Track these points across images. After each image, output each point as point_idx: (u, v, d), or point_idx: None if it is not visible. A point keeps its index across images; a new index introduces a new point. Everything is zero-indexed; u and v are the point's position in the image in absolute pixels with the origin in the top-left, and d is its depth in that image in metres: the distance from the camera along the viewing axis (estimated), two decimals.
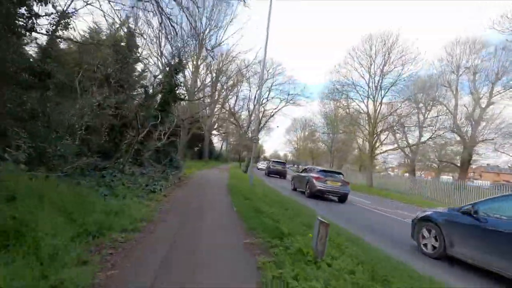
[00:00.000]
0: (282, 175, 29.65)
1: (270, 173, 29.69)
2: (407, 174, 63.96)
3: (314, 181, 14.24)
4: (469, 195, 17.57)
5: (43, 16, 5.92)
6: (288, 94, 22.78)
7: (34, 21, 5.36)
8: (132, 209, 5.17)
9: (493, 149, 24.83)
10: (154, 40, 16.53)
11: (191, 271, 3.16)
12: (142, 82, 10.57)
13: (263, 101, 20.58)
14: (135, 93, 11.15)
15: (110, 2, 6.60)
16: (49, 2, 5.39)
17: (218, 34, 27.20)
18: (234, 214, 6.34)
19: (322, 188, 13.88)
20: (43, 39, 7.45)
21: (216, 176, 17.27)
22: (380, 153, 26.64)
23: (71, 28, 6.45)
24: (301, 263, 3.36)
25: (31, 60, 7.03)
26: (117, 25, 10.06)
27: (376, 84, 24.93)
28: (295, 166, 55.57)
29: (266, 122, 20.80)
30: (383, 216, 10.65)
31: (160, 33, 14.38)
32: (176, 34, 7.92)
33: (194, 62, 27.18)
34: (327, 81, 70.57)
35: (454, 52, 29.17)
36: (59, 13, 6.30)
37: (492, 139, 23.71)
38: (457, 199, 17.74)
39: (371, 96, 25.22)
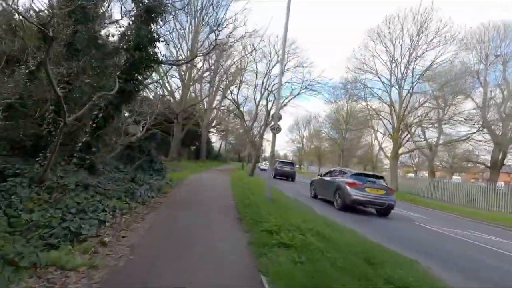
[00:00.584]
0: (290, 177, 25.85)
1: (277, 175, 25.77)
2: (411, 175, 60.30)
3: (348, 188, 10.62)
4: None
5: None
6: (303, 81, 18.44)
7: None
8: None
9: None
10: None
11: None
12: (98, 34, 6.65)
13: (275, 88, 16.39)
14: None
15: None
16: None
17: (219, 13, 23.07)
18: None
19: (359, 198, 10.27)
20: None
21: (214, 182, 13.05)
22: (408, 151, 22.65)
23: None
24: None
25: None
26: None
27: (402, 71, 20.98)
28: (298, 166, 51.50)
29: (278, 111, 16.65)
30: (478, 246, 6.59)
31: None
32: None
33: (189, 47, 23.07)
34: (330, 79, 66.80)
35: (482, 38, 25.28)
36: None
37: None
38: None
39: (396, 86, 21.26)
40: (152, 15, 5.99)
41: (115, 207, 4.36)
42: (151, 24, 6.15)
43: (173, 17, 9.50)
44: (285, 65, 16.98)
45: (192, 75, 24.27)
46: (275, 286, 2.59)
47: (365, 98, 24.03)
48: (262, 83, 16.77)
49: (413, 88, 19.24)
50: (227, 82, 16.22)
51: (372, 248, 3.93)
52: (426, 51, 19.40)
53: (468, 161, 26.54)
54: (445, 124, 18.03)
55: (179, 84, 25.17)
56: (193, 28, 23.57)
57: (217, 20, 17.00)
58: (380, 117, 22.21)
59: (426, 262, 4.04)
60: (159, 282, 2.58)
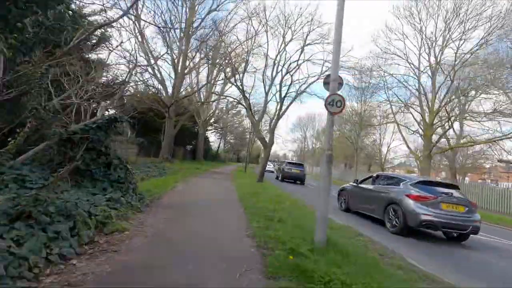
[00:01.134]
0: (299, 180, 22.24)
1: (285, 177, 22.14)
2: (415, 175, 56.66)
3: (412, 203, 7.16)
4: None
5: None
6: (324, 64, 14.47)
7: None
8: None
9: None
10: None
11: None
12: None
13: (292, 67, 12.54)
14: None
15: None
16: None
17: None
18: None
19: (432, 218, 6.81)
20: None
21: (213, 198, 8.33)
22: (447, 149, 18.98)
23: None
24: None
25: None
26: None
27: (437, 55, 17.36)
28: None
29: (296, 97, 12.72)
30: None
31: None
32: None
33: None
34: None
35: None
36: None
37: None
38: None
39: (429, 72, 17.65)
40: None
41: None
42: None
43: None
44: (303, 45, 13.22)
45: (187, 62, 20.47)
46: None
47: (386, 90, 20.49)
48: (274, 63, 13.04)
49: (454, 74, 15.55)
50: (229, 61, 12.36)
51: None
52: (471, 28, 15.77)
53: (501, 161, 22.97)
54: (504, 117, 14.55)
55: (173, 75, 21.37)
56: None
57: None
58: (409, 109, 18.53)
59: None
60: None
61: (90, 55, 14.11)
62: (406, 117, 21.03)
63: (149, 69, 19.65)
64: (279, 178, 23.70)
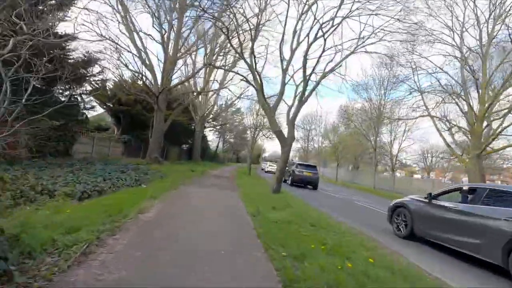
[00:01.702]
0: (312, 184, 18.75)
1: (295, 181, 18.57)
2: (418, 176, 53.15)
3: None
4: None
5: None
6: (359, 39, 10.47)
7: None
8: None
9: None
10: None
11: None
12: None
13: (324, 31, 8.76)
14: None
15: None
16: None
17: None
18: None
19: None
20: None
21: (208, 241, 4.03)
22: (502, 148, 15.37)
23: None
24: None
25: None
26: None
27: (489, 32, 13.78)
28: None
29: (326, 74, 8.96)
30: None
31: None
32: None
33: None
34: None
35: None
36: None
37: None
38: None
39: (480, 53, 14.05)
40: None
41: None
42: None
43: None
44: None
45: (181, 42, 16.69)
46: None
47: (416, 77, 16.88)
48: (294, 31, 9.31)
49: None
50: (236, 26, 8.57)
51: None
52: None
53: None
54: None
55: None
56: None
57: None
58: (454, 100, 14.90)
59: None
60: None
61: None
62: (441, 111, 17.43)
63: (133, 50, 15.92)
64: (288, 182, 20.11)
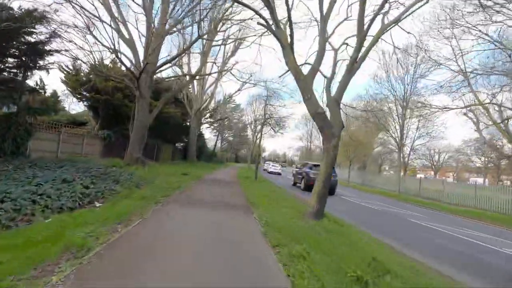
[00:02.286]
0: (330, 189, 15.20)
1: (310, 186, 15.08)
2: (423, 176, 49.88)
3: None
4: None
5: None
6: None
7: None
8: None
9: None
10: None
11: None
12: None
13: None
14: None
15: None
16: None
17: None
18: None
19: None
20: None
21: None
22: None
23: None
24: None
25: None
26: None
27: None
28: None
29: (381, 33, 5.34)
30: None
31: None
32: None
33: None
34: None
35: None
36: None
37: None
38: None
39: None
40: None
41: None
42: None
43: None
44: None
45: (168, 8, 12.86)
46: None
47: (456, 59, 13.34)
48: None
49: None
50: None
51: None
52: None
53: None
54: None
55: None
56: None
57: None
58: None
59: None
60: None
61: None
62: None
63: (111, 23, 12.08)
64: (301, 187, 16.53)
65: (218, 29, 13.77)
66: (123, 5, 11.85)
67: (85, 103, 17.57)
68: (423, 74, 17.67)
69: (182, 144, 30.38)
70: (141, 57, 13.40)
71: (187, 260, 3.03)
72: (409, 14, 6.27)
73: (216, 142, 42.29)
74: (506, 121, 13.62)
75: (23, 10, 7.71)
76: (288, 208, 6.32)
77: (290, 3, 5.58)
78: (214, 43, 16.64)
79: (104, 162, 12.69)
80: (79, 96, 16.79)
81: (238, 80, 14.02)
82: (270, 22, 5.99)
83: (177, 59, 15.74)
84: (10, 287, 2.13)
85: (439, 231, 7.47)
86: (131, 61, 13.24)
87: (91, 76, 16.19)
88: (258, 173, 17.67)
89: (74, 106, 18.03)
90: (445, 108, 13.56)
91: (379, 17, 6.14)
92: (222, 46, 20.42)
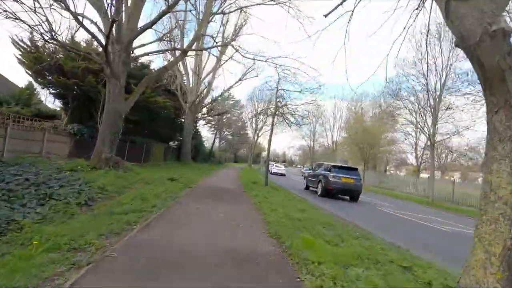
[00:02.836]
0: (354, 194, 12.96)
1: (329, 191, 12.42)
2: (425, 175, 47.01)
3: None
4: None
5: None
6: None
7: None
8: None
9: None
10: None
11: None
12: None
13: None
14: None
15: None
16: None
17: None
18: None
19: None
20: None
21: None
22: None
23: None
24: None
25: None
26: None
27: None
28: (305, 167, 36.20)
29: None
30: None
31: None
32: None
33: None
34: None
35: None
36: None
37: None
38: None
39: None
40: None
41: None
42: None
43: None
44: None
45: None
46: None
47: None
48: None
49: None
50: None
51: None
52: None
53: None
54: None
55: None
56: None
57: None
58: None
59: None
60: None
61: None
62: None
63: None
64: (317, 192, 13.36)
65: None
66: None
67: (51, 89, 13.99)
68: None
69: (177, 142, 26.83)
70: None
71: None
72: None
73: (214, 141, 38.75)
74: None
75: None
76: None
77: None
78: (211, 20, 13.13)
79: (64, 164, 9.18)
80: (41, 81, 13.22)
81: (244, 56, 10.52)
82: None
83: (165, 34, 12.19)
84: None
85: None
86: (99, 28, 9.69)
87: (54, 54, 12.67)
88: (257, 172, 14.27)
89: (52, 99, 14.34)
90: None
91: None
92: (222, 28, 16.94)
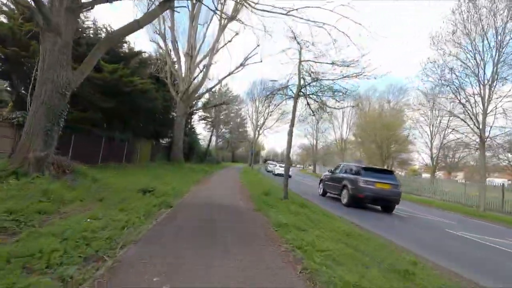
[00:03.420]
0: (390, 204, 10.10)
1: (359, 199, 9.74)
2: (427, 175, 44.08)
3: None
4: None
5: None
6: None
7: None
8: None
9: None
10: None
11: None
12: None
13: None
14: None
15: None
16: None
17: None
18: None
19: None
20: None
21: None
22: None
23: None
24: None
25: None
26: None
27: None
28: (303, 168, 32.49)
29: None
30: None
31: None
32: None
33: None
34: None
35: None
36: None
37: None
38: None
39: None
40: None
41: None
42: None
43: None
44: None
45: None
46: None
47: None
48: None
49: None
50: None
51: None
52: None
53: None
54: None
55: None
56: None
57: None
58: None
59: None
60: None
61: None
62: None
63: None
64: (345, 201, 10.08)
65: None
66: None
67: None
68: None
69: (168, 140, 23.12)
70: None
71: None
72: None
73: (210, 138, 35.04)
74: None
75: None
76: None
77: None
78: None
79: None
80: None
81: (255, 9, 7.00)
82: None
83: None
84: None
85: None
86: None
87: None
88: (263, 175, 10.66)
89: None
90: None
91: None
92: None
